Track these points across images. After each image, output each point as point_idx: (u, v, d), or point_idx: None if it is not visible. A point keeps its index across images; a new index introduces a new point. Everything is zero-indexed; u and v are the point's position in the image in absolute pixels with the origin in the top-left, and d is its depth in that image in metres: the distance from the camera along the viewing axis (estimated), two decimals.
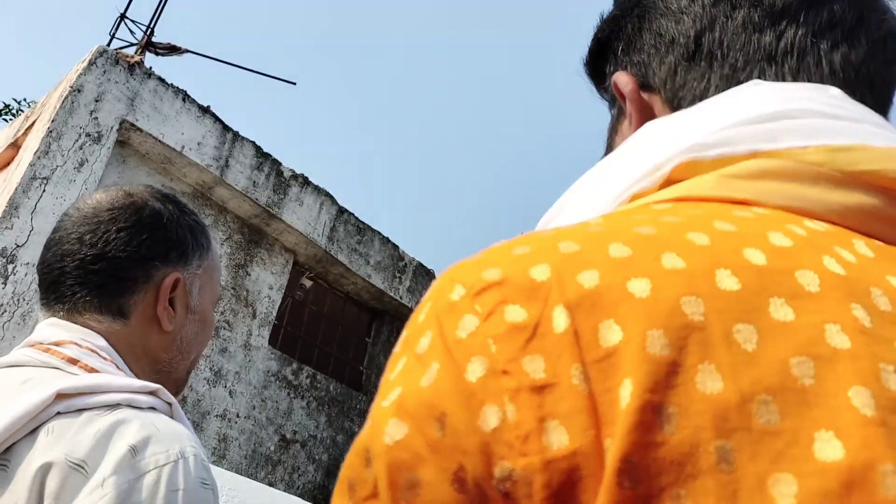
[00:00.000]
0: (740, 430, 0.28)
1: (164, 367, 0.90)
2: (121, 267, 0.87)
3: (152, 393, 0.79)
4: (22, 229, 4.92)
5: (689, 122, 0.43)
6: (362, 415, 6.76)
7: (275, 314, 6.34)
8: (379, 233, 7.01)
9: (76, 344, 0.82)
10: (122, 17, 6.55)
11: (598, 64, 0.58)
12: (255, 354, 6.11)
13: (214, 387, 5.78)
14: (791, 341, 0.30)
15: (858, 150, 0.38)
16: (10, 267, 4.83)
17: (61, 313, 0.86)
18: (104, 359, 0.82)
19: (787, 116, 0.40)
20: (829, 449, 0.27)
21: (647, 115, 0.50)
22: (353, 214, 6.82)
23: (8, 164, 5.67)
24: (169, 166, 5.82)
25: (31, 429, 0.71)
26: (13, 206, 4.91)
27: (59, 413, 0.72)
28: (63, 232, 0.89)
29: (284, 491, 5.51)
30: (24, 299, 4.81)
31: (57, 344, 0.82)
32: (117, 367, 0.83)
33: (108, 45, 6.24)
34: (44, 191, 5.04)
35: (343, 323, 6.99)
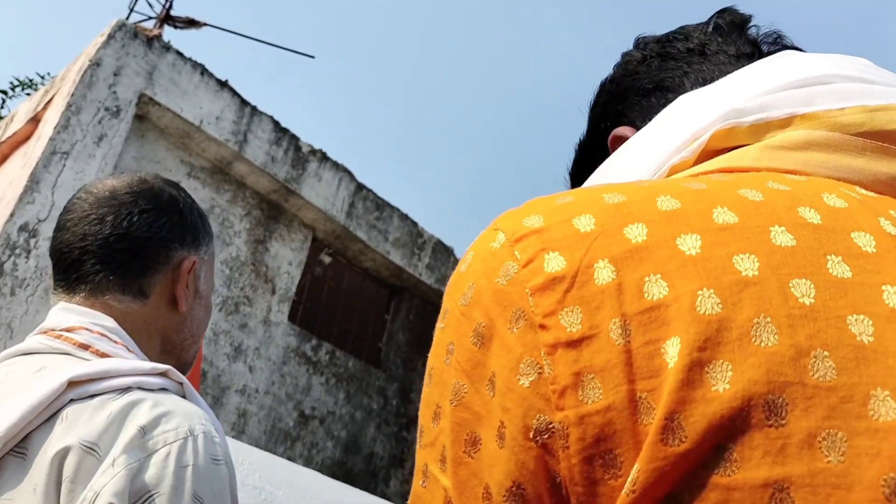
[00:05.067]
0: (794, 384, 0.28)
1: (174, 349, 0.92)
2: (144, 247, 0.88)
3: (162, 374, 0.80)
4: (43, 204, 4.93)
5: (725, 91, 0.43)
6: (381, 391, 6.78)
7: (294, 290, 6.34)
8: (398, 209, 6.97)
9: (87, 329, 0.83)
10: None
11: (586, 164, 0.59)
12: (274, 330, 6.13)
13: (234, 362, 5.81)
14: (849, 298, 0.29)
15: None
16: (32, 241, 4.85)
17: (83, 293, 0.87)
18: (115, 342, 0.83)
19: (821, 82, 0.41)
20: (883, 408, 0.27)
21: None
22: (371, 191, 6.79)
23: (28, 138, 5.67)
24: (188, 141, 5.80)
25: (45, 417, 0.71)
26: (34, 180, 4.92)
27: (72, 400, 0.73)
28: (79, 213, 0.89)
29: (303, 466, 5.56)
30: (46, 273, 4.84)
31: (69, 330, 0.83)
32: (128, 349, 0.84)
33: (127, 18, 6.20)
34: (64, 165, 5.04)
35: (362, 299, 6.99)
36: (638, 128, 0.51)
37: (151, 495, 0.67)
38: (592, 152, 0.57)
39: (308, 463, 6.02)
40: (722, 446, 0.28)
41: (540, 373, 0.31)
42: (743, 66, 0.48)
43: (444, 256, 7.28)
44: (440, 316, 0.38)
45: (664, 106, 0.48)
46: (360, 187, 6.70)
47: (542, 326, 0.31)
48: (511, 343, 0.32)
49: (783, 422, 0.27)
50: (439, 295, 7.22)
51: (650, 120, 0.49)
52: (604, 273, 0.31)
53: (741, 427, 0.27)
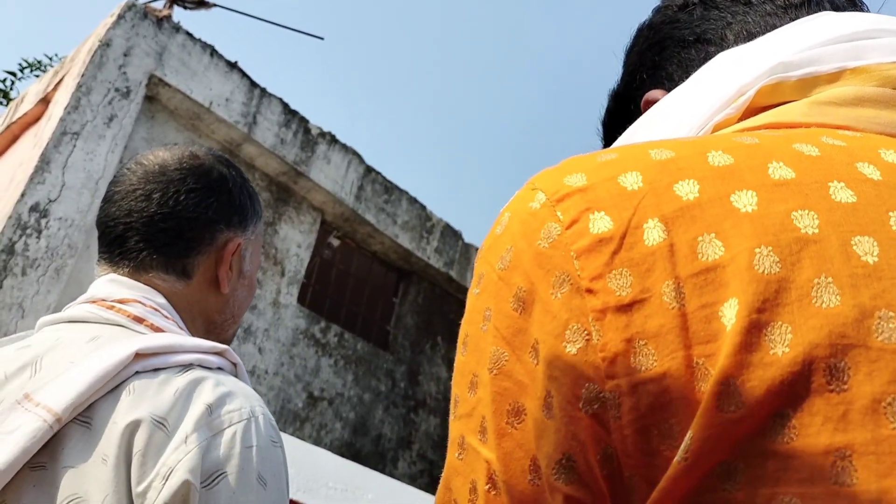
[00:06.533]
0: (857, 347, 0.26)
1: (216, 329, 0.93)
2: (189, 227, 0.87)
3: (219, 353, 0.80)
4: (54, 184, 4.94)
5: (770, 46, 0.42)
6: (389, 374, 6.81)
7: (303, 272, 6.36)
8: (406, 192, 6.96)
9: (140, 302, 0.82)
10: None
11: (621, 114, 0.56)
12: (283, 312, 6.15)
13: (244, 343, 5.83)
14: None
15: None
16: (43, 221, 4.87)
17: (126, 269, 0.86)
18: (166, 317, 0.82)
19: (870, 36, 0.40)
20: None
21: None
22: (380, 174, 6.78)
23: (38, 119, 5.68)
24: (197, 122, 5.80)
25: (111, 387, 0.71)
26: (45, 161, 4.92)
27: (137, 372, 0.72)
28: (127, 186, 0.88)
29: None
30: (57, 253, 4.86)
31: (121, 301, 0.82)
32: (178, 325, 0.83)
33: None
34: (74, 146, 5.05)
35: (370, 282, 7.00)
36: (674, 83, 0.49)
37: (221, 474, 0.67)
38: (627, 103, 0.55)
39: (317, 444, 6.06)
40: (780, 413, 0.26)
41: (588, 339, 0.30)
42: (791, 17, 0.46)
43: (453, 240, 7.27)
44: (474, 281, 0.36)
45: (704, 60, 0.47)
46: (369, 170, 6.69)
47: (590, 290, 0.30)
48: (555, 308, 0.31)
49: (845, 387, 0.26)
50: (447, 278, 7.23)
51: (688, 73, 0.47)
52: (654, 233, 0.30)
53: (801, 392, 0.26)
